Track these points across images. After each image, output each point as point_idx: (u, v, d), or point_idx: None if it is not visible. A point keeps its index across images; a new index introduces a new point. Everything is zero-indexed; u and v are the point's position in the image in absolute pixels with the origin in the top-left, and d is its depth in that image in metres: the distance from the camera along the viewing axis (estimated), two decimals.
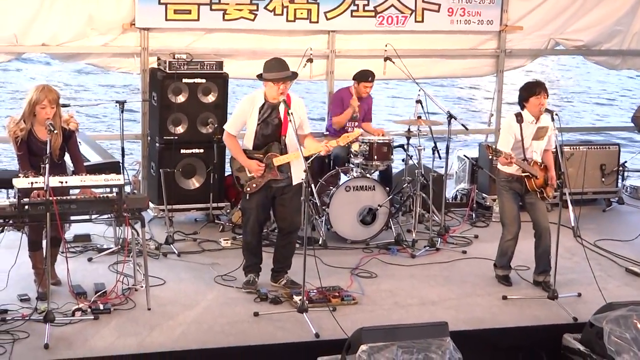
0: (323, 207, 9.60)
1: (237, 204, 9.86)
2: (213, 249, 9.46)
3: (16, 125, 7.74)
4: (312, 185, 7.63)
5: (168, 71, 9.88)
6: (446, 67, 11.68)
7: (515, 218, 8.60)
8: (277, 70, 8.10)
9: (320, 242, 9.59)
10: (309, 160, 8.29)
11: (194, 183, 10.17)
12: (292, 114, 7.96)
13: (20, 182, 7.30)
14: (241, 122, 8.26)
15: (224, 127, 8.39)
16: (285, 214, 8.30)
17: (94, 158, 9.33)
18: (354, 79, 10.47)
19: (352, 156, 9.84)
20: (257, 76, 8.24)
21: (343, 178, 9.93)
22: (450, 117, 9.89)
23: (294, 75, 8.30)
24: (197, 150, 10.05)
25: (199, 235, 9.83)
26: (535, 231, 8.64)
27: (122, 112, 9.31)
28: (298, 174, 8.12)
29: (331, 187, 9.73)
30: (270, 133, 8.21)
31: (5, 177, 8.71)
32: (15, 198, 7.37)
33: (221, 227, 10.04)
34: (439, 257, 9.52)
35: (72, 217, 7.84)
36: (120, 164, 9.21)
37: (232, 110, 8.59)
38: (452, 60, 11.59)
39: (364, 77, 10.41)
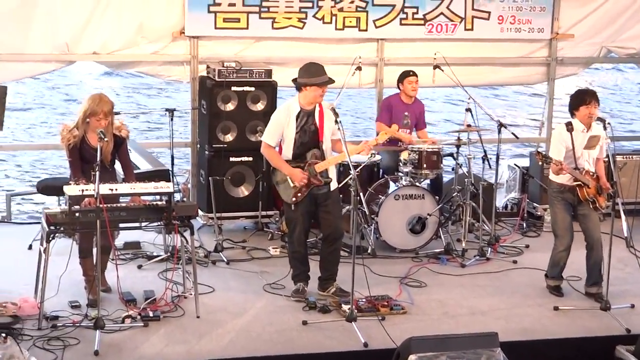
0: (372, 216, 9.56)
1: None
2: (262, 257, 9.46)
3: (69, 133, 7.81)
4: (361, 194, 7.61)
5: (217, 79, 9.92)
6: (496, 75, 11.61)
7: (567, 229, 8.49)
8: (319, 75, 8.08)
9: (369, 251, 9.54)
10: (358, 169, 8.24)
11: (243, 191, 10.18)
12: (340, 122, 7.95)
13: (71, 190, 7.37)
14: (279, 133, 8.20)
15: (262, 139, 8.32)
16: (330, 221, 8.27)
17: (144, 166, 9.39)
18: (397, 82, 10.43)
19: (401, 165, 9.80)
20: (293, 80, 8.20)
21: (392, 187, 9.88)
22: (501, 125, 9.79)
23: (332, 80, 8.29)
24: (246, 159, 10.07)
25: (247, 244, 9.84)
26: (587, 243, 8.52)
27: (172, 120, 9.37)
28: (335, 180, 8.26)
29: (380, 196, 9.68)
30: (309, 140, 8.19)
31: (57, 185, 8.80)
32: (66, 205, 7.44)
33: (270, 235, 10.05)
34: (489, 266, 9.44)
35: (122, 225, 7.87)
36: (170, 172, 9.26)
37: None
38: (503, 68, 11.52)
39: (405, 73, 10.37)
